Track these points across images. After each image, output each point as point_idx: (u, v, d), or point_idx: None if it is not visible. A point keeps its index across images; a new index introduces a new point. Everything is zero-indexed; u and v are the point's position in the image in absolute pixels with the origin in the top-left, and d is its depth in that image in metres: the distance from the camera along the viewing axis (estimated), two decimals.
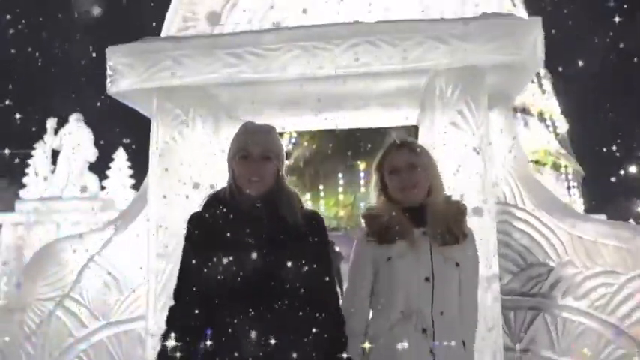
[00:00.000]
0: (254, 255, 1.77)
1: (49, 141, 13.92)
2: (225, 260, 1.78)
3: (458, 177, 2.83)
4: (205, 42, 2.99)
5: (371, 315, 2.10)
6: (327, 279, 1.90)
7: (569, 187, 34.56)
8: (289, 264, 1.78)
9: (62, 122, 13.83)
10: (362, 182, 32.18)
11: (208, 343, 1.80)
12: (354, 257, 2.14)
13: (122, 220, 3.35)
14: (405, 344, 1.94)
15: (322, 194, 33.09)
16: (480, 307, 2.22)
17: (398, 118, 3.63)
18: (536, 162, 31.71)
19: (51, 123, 13.96)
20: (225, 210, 1.85)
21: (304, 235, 1.85)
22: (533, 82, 31.73)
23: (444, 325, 1.98)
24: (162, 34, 3.29)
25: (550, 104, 32.22)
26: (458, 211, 2.11)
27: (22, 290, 3.45)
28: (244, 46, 2.91)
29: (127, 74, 2.97)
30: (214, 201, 1.91)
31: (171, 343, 1.79)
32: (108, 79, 3.00)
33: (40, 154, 14.25)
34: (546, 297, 3.04)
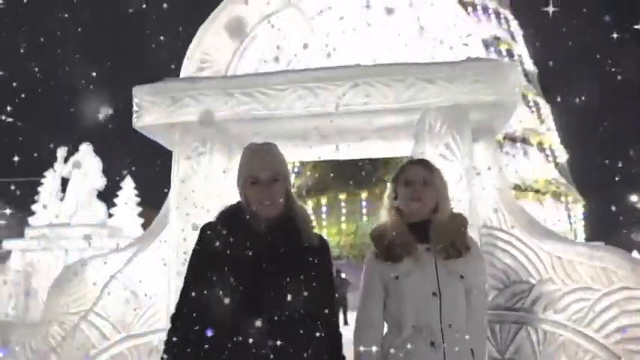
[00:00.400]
0: (267, 274, 1.85)
1: (59, 169, 14.32)
2: (233, 278, 1.85)
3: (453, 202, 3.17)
4: (221, 82, 3.36)
5: (386, 332, 2.20)
6: (330, 300, 1.98)
7: (569, 216, 34.54)
8: (298, 285, 1.85)
9: (72, 151, 14.27)
10: (364, 211, 32.13)
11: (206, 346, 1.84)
12: (365, 276, 2.24)
13: (143, 241, 3.67)
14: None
15: (324, 223, 33.12)
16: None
17: (394, 149, 3.98)
18: (537, 191, 31.82)
19: (61, 152, 14.39)
20: (239, 228, 1.93)
21: (313, 256, 1.94)
22: (532, 112, 32.06)
23: (453, 337, 2.05)
24: (182, 74, 3.66)
25: (550, 135, 32.54)
26: (460, 224, 2.22)
27: (47, 306, 3.75)
28: (255, 86, 3.28)
29: (151, 111, 3.34)
30: (230, 217, 1.99)
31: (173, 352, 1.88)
32: (134, 115, 3.36)
33: (49, 181, 14.66)
34: (529, 311, 3.33)
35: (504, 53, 34.07)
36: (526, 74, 35.16)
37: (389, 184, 2.31)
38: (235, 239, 1.91)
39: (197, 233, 2.02)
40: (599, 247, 3.56)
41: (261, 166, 1.98)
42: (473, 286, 2.14)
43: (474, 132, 3.38)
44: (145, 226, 15.03)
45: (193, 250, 2.00)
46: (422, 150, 3.35)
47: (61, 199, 14.34)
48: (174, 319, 1.95)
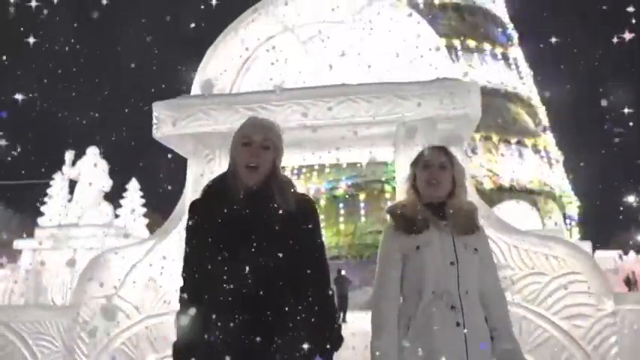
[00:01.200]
0: (249, 243, 1.86)
1: (67, 172, 14.88)
2: (221, 247, 1.87)
3: None
4: (227, 99, 3.94)
5: (402, 299, 2.29)
6: (319, 258, 1.97)
7: (564, 216, 34.95)
8: (282, 251, 1.86)
9: (79, 154, 14.84)
10: (362, 212, 32.60)
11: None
12: (383, 249, 2.33)
13: (159, 236, 4.24)
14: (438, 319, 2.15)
15: (324, 223, 33.56)
16: None
17: (378, 154, 4.56)
18: (531, 192, 32.23)
19: (69, 155, 14.95)
20: (222, 199, 1.93)
21: (296, 220, 1.91)
22: (529, 115, 32.30)
23: (469, 302, 2.20)
24: (192, 91, 4.23)
25: (545, 136, 32.89)
26: (471, 207, 2.33)
27: (77, 291, 4.32)
28: (256, 102, 3.86)
29: (168, 123, 3.92)
30: (212, 190, 2.00)
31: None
32: (154, 127, 3.95)
33: (58, 183, 15.23)
34: None
35: (499, 57, 34.78)
36: (521, 76, 35.80)
37: (409, 167, 2.39)
38: (215, 210, 1.92)
39: None
40: (550, 237, 4.15)
41: (255, 129, 1.99)
42: (485, 257, 2.29)
43: (444, 140, 3.95)
44: (149, 226, 15.69)
45: (185, 228, 2.02)
46: (400, 155, 3.94)
47: (69, 201, 14.91)
48: (182, 291, 2.00)
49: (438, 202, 2.27)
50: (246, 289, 1.83)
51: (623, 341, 3.77)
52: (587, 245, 15.40)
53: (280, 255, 1.85)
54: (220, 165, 3.88)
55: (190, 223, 1.97)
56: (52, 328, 4.23)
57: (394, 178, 4.27)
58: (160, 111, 3.95)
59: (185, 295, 1.97)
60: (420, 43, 4.05)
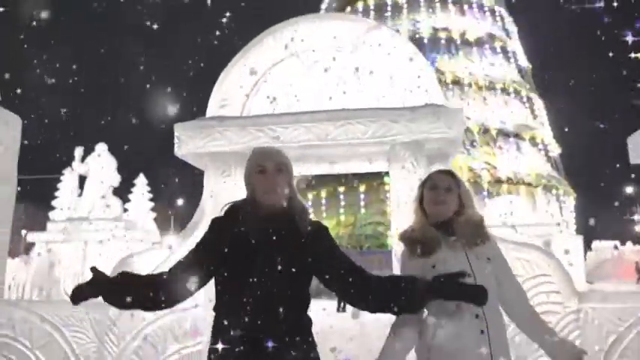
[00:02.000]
0: (272, 255, 2.03)
1: (77, 167, 15.40)
2: (248, 259, 2.03)
3: (405, 208, 4.28)
4: (240, 121, 4.47)
5: (424, 317, 2.35)
6: (344, 259, 2.14)
7: (561, 208, 35.45)
8: (301, 264, 2.06)
9: (88, 150, 15.35)
10: (362, 204, 33.12)
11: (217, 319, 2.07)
12: (403, 271, 2.41)
13: (181, 239, 4.79)
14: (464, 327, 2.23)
15: (324, 215, 34.04)
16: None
17: (373, 168, 5.10)
18: (529, 184, 32.76)
19: (78, 151, 15.46)
20: (246, 217, 2.11)
21: (313, 239, 2.11)
22: (526, 108, 32.81)
23: (490, 309, 2.26)
24: (208, 111, 4.75)
25: (542, 129, 33.35)
26: (478, 219, 2.43)
27: None
28: (266, 125, 4.39)
29: (188, 142, 4.46)
30: (235, 210, 2.17)
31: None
32: (175, 146, 4.48)
33: (68, 178, 15.75)
34: None
35: (498, 50, 35.09)
36: (520, 70, 36.21)
37: (417, 188, 2.54)
38: (239, 226, 2.09)
39: None
40: (525, 244, 4.69)
41: (267, 157, 2.18)
42: (499, 263, 2.39)
43: (432, 157, 4.49)
44: (156, 220, 16.25)
45: (203, 236, 2.18)
46: (393, 168, 4.47)
47: (79, 195, 15.45)
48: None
49: (444, 220, 2.38)
50: (265, 297, 2.00)
51: (586, 335, 4.32)
52: (579, 239, 15.96)
53: (298, 268, 2.04)
54: (235, 179, 4.41)
55: (209, 234, 2.14)
56: (85, 321, 4.79)
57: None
58: (180, 132, 4.48)
59: (169, 270, 2.09)
60: (413, 70, 4.57)
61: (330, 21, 4.95)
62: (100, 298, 2.03)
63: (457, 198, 2.42)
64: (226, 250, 2.07)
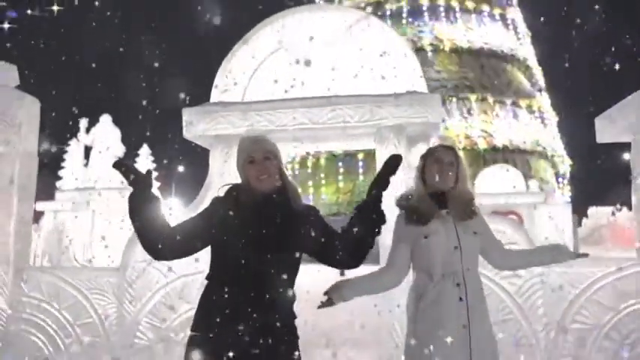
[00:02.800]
0: (271, 231, 2.25)
1: (82, 138, 15.88)
2: (246, 233, 2.23)
3: (391, 185, 4.81)
4: (241, 107, 4.96)
5: (415, 277, 2.70)
6: (329, 231, 2.37)
7: (557, 174, 35.99)
8: (297, 236, 2.30)
9: (93, 122, 15.81)
10: (361, 170, 33.71)
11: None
12: (396, 234, 2.70)
13: (185, 215, 5.33)
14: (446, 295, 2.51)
15: (323, 182, 34.52)
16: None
17: (362, 145, 5.60)
18: (524, 151, 33.16)
19: (83, 122, 15.92)
20: (242, 200, 2.31)
21: (305, 217, 2.35)
22: (524, 75, 32.91)
23: (471, 278, 2.56)
24: (212, 97, 5.23)
25: (540, 97, 33.56)
26: (469, 196, 2.70)
27: (124, 255, 5.44)
28: (264, 110, 4.89)
29: (195, 125, 4.96)
30: (232, 192, 2.36)
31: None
32: (184, 128, 4.98)
33: (74, 149, 16.25)
34: None
35: (497, 17, 35.06)
36: (519, 38, 36.20)
37: (419, 159, 2.78)
38: (238, 207, 2.29)
39: None
40: (496, 217, 5.24)
41: (255, 147, 2.37)
42: (485, 235, 2.71)
43: (413, 138, 5.00)
44: (160, 188, 16.78)
45: (204, 209, 2.41)
46: (381, 148, 4.98)
47: (85, 166, 15.98)
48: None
49: (440, 191, 2.64)
50: (263, 268, 2.23)
51: (549, 296, 4.89)
52: (567, 208, 16.47)
53: (290, 247, 2.30)
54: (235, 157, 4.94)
55: (209, 209, 2.35)
56: (106, 284, 5.38)
57: None
58: (188, 115, 4.98)
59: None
60: (398, 59, 5.04)
61: (323, 12, 5.38)
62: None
63: (456, 174, 2.65)
64: (220, 229, 2.27)
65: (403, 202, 2.71)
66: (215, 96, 5.21)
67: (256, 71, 5.28)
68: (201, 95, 5.31)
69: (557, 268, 4.99)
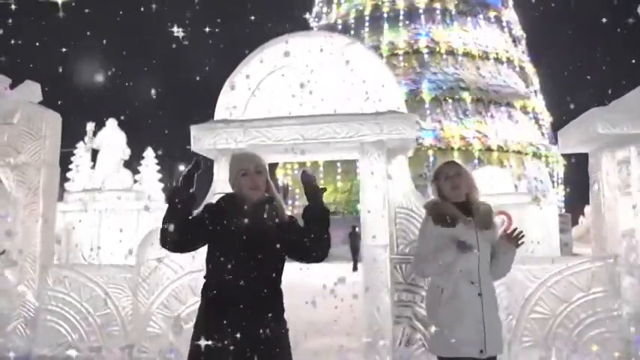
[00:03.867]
0: (262, 234, 2.69)
1: (89, 142, 16.58)
2: (239, 235, 2.65)
3: (375, 192, 5.51)
4: (241, 124, 5.65)
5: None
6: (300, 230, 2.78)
7: (551, 175, 36.74)
8: (279, 238, 2.74)
9: (99, 125, 16.50)
10: (357, 171, 34.57)
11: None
12: (424, 232, 3.18)
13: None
14: (465, 290, 2.99)
15: (322, 181, 35.34)
16: (375, 265, 4.87)
17: (348, 156, 6.30)
18: (519, 152, 33.99)
19: (90, 126, 16.61)
20: (236, 205, 2.73)
21: (287, 225, 2.80)
22: (519, 76, 33.68)
23: (485, 279, 3.05)
24: (216, 114, 5.92)
25: (534, 98, 34.28)
26: (488, 208, 3.14)
27: (139, 254, 6.14)
28: (262, 127, 5.58)
29: (202, 140, 5.65)
30: (227, 200, 2.78)
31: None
32: (192, 142, 5.67)
33: (81, 152, 16.95)
34: None
35: (493, 20, 35.74)
36: (514, 40, 36.91)
37: (431, 183, 3.26)
38: (233, 212, 2.69)
39: None
40: None
41: (248, 162, 2.79)
42: (496, 247, 3.14)
43: (392, 151, 5.69)
44: (164, 190, 17.50)
45: (202, 210, 2.80)
46: (364, 160, 5.67)
47: (92, 168, 16.69)
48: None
49: (461, 201, 3.09)
50: (253, 263, 2.66)
51: (513, 289, 5.58)
52: (554, 210, 17.10)
53: (279, 245, 2.75)
54: None
55: (206, 215, 2.74)
56: (122, 280, 6.09)
57: None
58: (195, 132, 5.68)
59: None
60: (379, 81, 5.73)
61: (314, 38, 6.08)
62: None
63: (465, 181, 3.11)
64: (215, 232, 2.67)
65: (432, 206, 3.17)
66: (219, 114, 5.89)
67: (255, 91, 5.96)
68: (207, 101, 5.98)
69: (520, 266, 5.70)
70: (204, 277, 2.85)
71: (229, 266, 2.65)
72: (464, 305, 2.99)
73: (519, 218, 15.55)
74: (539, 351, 5.39)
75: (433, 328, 3.06)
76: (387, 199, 5.53)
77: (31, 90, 6.77)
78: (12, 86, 6.84)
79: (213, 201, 2.87)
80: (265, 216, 2.74)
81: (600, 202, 5.79)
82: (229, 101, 5.95)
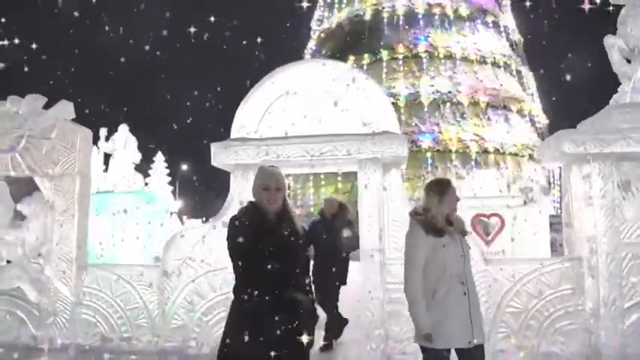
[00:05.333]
0: (286, 239, 3.08)
1: (102, 146, 17.36)
2: (265, 244, 2.98)
3: (371, 201, 6.33)
4: (255, 142, 6.48)
5: (424, 276, 3.44)
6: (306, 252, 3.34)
7: (548, 176, 37.42)
8: (295, 245, 3.12)
9: (112, 130, 17.30)
10: (356, 182, 35.10)
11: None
12: (414, 242, 3.50)
13: (215, 222, 6.85)
14: (454, 290, 3.39)
15: (323, 182, 36.22)
16: (371, 266, 5.72)
17: (349, 168, 7.13)
18: (515, 154, 34.71)
19: (103, 131, 17.39)
20: (259, 217, 3.10)
21: (300, 235, 3.19)
22: (516, 80, 34.37)
23: (470, 280, 3.48)
24: (232, 132, 6.74)
25: (531, 102, 34.97)
26: (462, 220, 3.69)
27: (164, 255, 6.96)
28: (273, 144, 6.40)
29: (220, 156, 6.48)
30: (251, 210, 3.15)
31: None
32: (212, 158, 6.50)
33: (94, 156, 17.67)
34: None
35: (490, 25, 36.53)
36: (511, 44, 37.70)
37: (439, 191, 3.58)
38: (258, 224, 3.05)
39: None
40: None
41: (271, 180, 3.18)
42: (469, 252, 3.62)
43: (388, 166, 6.52)
44: (174, 192, 18.33)
45: (235, 227, 3.06)
46: (362, 173, 6.49)
47: (104, 171, 17.47)
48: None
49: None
50: (282, 269, 3.00)
51: (492, 287, 6.38)
52: (544, 216, 17.86)
53: (295, 248, 3.15)
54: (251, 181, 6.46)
55: (241, 229, 3.03)
56: (149, 277, 6.91)
57: None
58: (215, 149, 6.51)
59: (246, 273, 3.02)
60: (377, 104, 6.56)
61: (319, 65, 6.90)
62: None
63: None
64: (252, 241, 2.99)
65: (420, 217, 3.52)
66: (235, 130, 6.73)
67: (266, 111, 6.79)
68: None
69: (497, 266, 6.52)
70: (236, 282, 3.11)
71: (262, 270, 2.97)
72: (454, 303, 3.40)
73: (512, 220, 16.36)
74: (514, 340, 6.20)
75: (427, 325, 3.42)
76: (381, 207, 6.35)
77: (66, 108, 7.58)
78: (47, 105, 7.65)
79: (238, 214, 3.20)
80: (286, 224, 3.15)
81: (570, 211, 6.61)
82: (243, 121, 6.77)
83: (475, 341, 3.44)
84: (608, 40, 6.83)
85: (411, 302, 3.45)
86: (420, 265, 3.44)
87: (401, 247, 6.40)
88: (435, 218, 3.47)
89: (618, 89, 6.81)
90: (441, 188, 3.55)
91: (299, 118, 6.71)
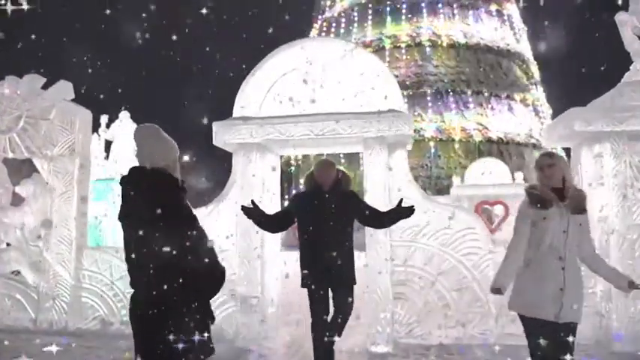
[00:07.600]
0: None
1: (102, 133, 17.23)
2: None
3: (376, 183, 6.18)
4: (257, 120, 6.32)
5: (526, 248, 3.35)
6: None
7: None
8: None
9: (112, 118, 17.15)
10: (361, 161, 35.51)
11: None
12: (521, 214, 3.41)
13: (216, 203, 6.71)
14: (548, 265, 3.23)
15: None
16: (383, 245, 5.59)
17: (353, 149, 6.97)
18: (518, 143, 34.31)
19: (103, 119, 17.26)
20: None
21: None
22: (519, 69, 33.93)
23: (570, 257, 3.26)
24: (234, 112, 6.59)
25: (534, 91, 34.57)
26: (583, 196, 3.34)
27: None
28: (276, 123, 6.24)
29: (222, 135, 6.32)
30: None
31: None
32: (213, 137, 6.34)
33: (95, 143, 17.59)
34: (417, 241, 6.39)
35: (494, 13, 36.13)
36: (515, 32, 37.26)
37: (535, 169, 3.47)
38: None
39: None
40: (457, 206, 6.60)
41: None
42: (585, 230, 3.37)
43: (392, 145, 6.36)
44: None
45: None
46: (367, 153, 6.34)
47: (105, 158, 17.34)
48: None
49: (557, 187, 3.32)
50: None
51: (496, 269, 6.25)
52: None
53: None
54: (255, 162, 6.31)
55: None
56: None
57: None
58: (217, 128, 6.35)
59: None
60: (381, 82, 6.39)
61: (322, 42, 6.73)
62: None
63: (559, 172, 3.34)
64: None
65: (531, 190, 3.44)
66: (237, 111, 6.57)
67: (269, 91, 6.62)
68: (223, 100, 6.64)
69: (501, 248, 6.36)
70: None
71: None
72: (547, 273, 3.28)
73: (516, 208, 16.18)
74: None
75: (514, 294, 3.41)
76: (387, 187, 6.20)
77: (65, 88, 7.43)
78: (45, 85, 7.50)
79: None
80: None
81: None
82: (246, 100, 6.61)
83: (562, 319, 3.25)
84: (620, 17, 6.64)
85: (501, 261, 3.51)
86: (522, 234, 3.39)
87: (406, 228, 6.32)
88: (539, 190, 3.37)
89: (630, 67, 6.62)
90: (539, 161, 3.47)
91: (303, 97, 6.54)
